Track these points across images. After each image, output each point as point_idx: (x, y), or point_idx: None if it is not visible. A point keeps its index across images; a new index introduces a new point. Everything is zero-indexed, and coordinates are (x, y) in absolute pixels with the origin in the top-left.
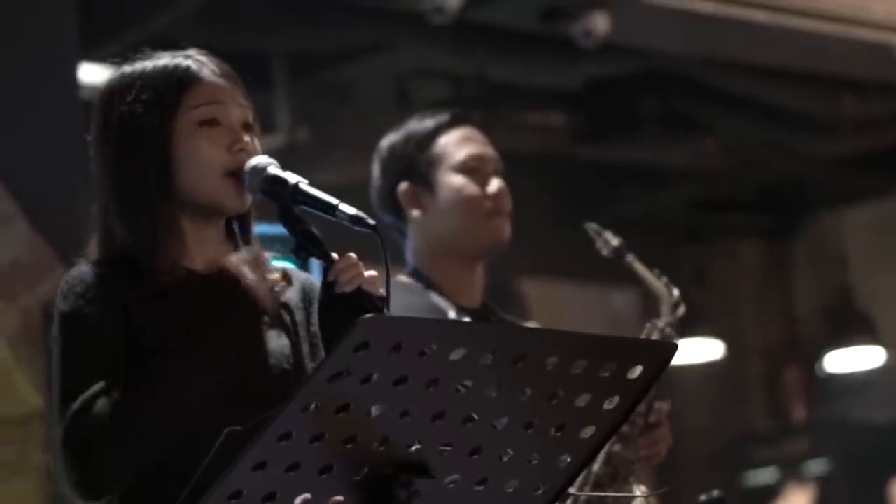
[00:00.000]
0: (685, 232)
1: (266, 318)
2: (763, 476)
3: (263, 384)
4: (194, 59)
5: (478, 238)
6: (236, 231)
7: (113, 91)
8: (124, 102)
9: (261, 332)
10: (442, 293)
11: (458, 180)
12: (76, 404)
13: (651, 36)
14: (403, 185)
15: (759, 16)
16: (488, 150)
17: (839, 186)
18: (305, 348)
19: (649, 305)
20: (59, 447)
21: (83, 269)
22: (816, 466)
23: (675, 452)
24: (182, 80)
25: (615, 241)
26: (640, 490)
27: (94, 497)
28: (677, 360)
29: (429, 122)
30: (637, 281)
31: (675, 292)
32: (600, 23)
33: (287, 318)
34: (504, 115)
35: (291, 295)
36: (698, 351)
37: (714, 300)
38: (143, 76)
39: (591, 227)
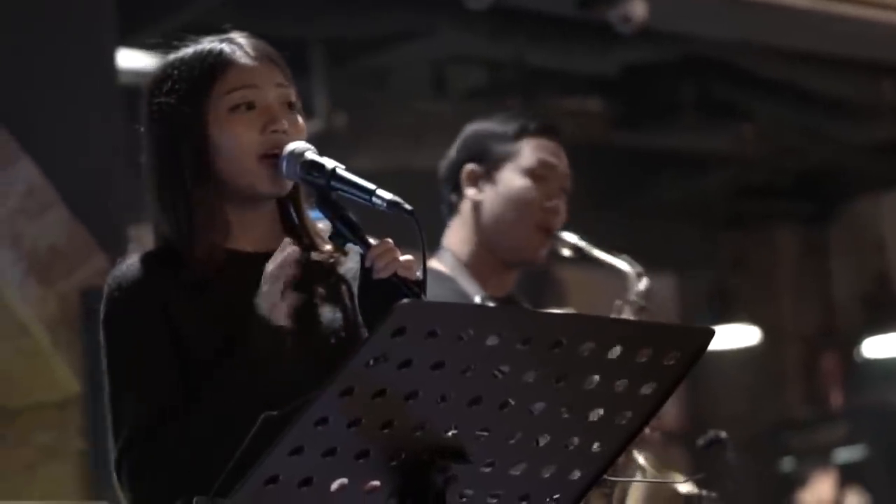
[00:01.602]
0: (723, 218)
1: (321, 293)
2: (797, 463)
3: (316, 360)
4: (230, 43)
5: (516, 246)
6: (292, 213)
7: (154, 81)
8: (162, 93)
9: (305, 310)
10: (472, 277)
11: (521, 181)
12: (126, 432)
13: (688, 21)
14: (470, 166)
15: (798, 1)
16: (562, 167)
17: (877, 172)
18: (361, 319)
19: (685, 292)
20: (115, 471)
21: (124, 270)
22: (843, 454)
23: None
24: (214, 66)
25: (572, 238)
26: (675, 476)
27: None
28: (714, 346)
29: (518, 122)
30: (601, 265)
31: (636, 266)
32: (638, 8)
33: (344, 288)
34: (541, 101)
35: (350, 265)
36: (735, 337)
37: (751, 286)
38: (181, 65)
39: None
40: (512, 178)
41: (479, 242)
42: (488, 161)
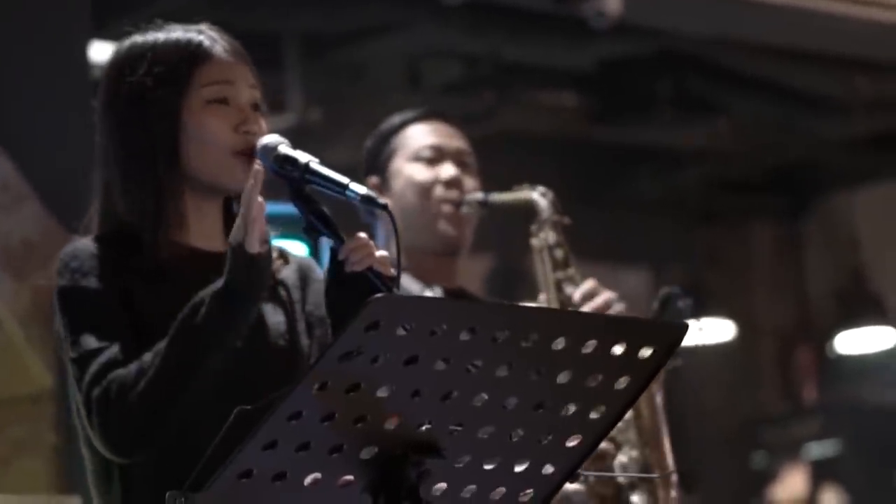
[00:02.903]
0: (698, 213)
1: (265, 297)
2: (769, 457)
3: (263, 360)
4: (207, 35)
5: (432, 230)
6: (236, 210)
7: (123, 62)
8: (134, 74)
9: (260, 309)
10: (412, 276)
11: (410, 167)
12: (94, 367)
13: (663, 16)
14: (372, 179)
15: None
16: (452, 143)
17: (852, 168)
18: (301, 326)
19: (661, 286)
20: (81, 407)
21: (78, 245)
22: (816, 449)
23: (687, 433)
24: (194, 56)
25: (477, 196)
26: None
27: (121, 454)
28: (688, 340)
29: (399, 117)
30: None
31: (538, 188)
32: (612, 3)
33: (284, 294)
34: (516, 96)
35: (288, 273)
36: (710, 332)
37: (726, 281)
38: (155, 49)
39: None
40: (401, 169)
41: (408, 246)
42: (380, 165)
